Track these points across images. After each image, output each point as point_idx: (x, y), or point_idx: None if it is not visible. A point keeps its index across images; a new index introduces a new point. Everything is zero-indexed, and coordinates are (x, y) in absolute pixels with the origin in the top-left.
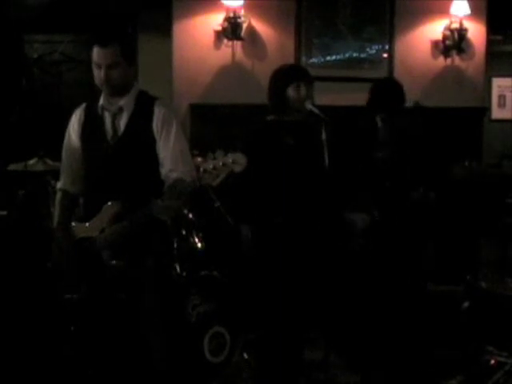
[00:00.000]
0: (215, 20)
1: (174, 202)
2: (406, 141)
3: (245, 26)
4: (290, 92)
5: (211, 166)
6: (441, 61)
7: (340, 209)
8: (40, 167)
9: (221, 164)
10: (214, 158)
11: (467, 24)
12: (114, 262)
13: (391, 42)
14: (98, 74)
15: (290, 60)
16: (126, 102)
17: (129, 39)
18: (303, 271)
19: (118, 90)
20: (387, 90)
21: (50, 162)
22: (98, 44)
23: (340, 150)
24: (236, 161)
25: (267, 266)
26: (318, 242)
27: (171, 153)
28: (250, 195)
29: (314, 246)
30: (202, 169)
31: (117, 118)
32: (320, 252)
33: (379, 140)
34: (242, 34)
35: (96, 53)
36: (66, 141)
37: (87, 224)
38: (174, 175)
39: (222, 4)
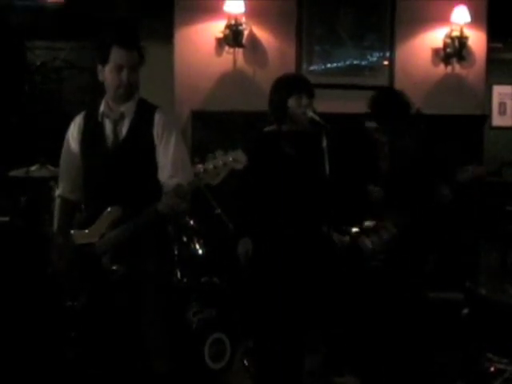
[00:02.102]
0: (217, 27)
1: (176, 200)
2: (403, 160)
3: (246, 33)
4: (292, 103)
5: (211, 166)
6: (441, 68)
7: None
8: (42, 173)
9: (221, 163)
10: (215, 158)
11: (468, 32)
12: (114, 267)
13: (392, 49)
14: (118, 76)
15: (291, 67)
16: (128, 108)
17: (140, 41)
18: (303, 278)
19: (131, 93)
20: (390, 101)
21: (51, 168)
22: (122, 46)
23: (341, 157)
24: (236, 159)
25: (268, 273)
26: (318, 249)
27: (171, 160)
28: (252, 206)
29: (314, 253)
30: (202, 169)
31: (118, 124)
32: (320, 258)
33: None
34: (244, 41)
35: (119, 54)
36: (64, 149)
37: (87, 230)
38: (174, 182)
39: (224, 11)
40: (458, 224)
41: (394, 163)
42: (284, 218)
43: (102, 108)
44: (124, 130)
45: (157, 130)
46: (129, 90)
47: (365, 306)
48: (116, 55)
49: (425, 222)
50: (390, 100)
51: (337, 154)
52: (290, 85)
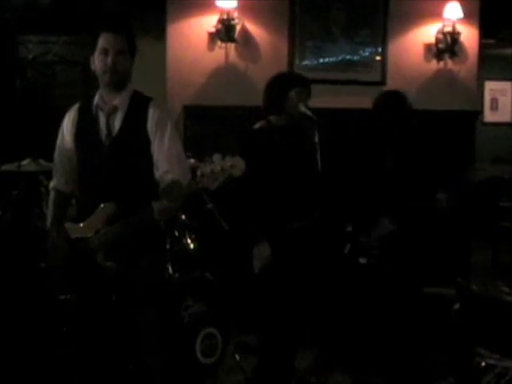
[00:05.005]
0: (209, 22)
1: (172, 203)
2: (407, 158)
3: (238, 28)
4: (293, 94)
5: (209, 170)
6: (433, 64)
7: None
8: (33, 168)
9: (219, 168)
10: (212, 162)
11: (460, 27)
12: (108, 263)
13: (384, 44)
14: (104, 61)
15: (284, 62)
16: (121, 100)
17: (132, 31)
18: (300, 276)
19: (119, 79)
20: (394, 104)
21: (43, 162)
22: (108, 30)
23: (333, 152)
24: (234, 165)
25: (273, 273)
26: (315, 245)
27: (166, 154)
28: (258, 210)
29: (311, 250)
30: (199, 172)
31: (111, 117)
32: (316, 255)
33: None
34: (236, 36)
35: (105, 38)
36: (59, 141)
37: (81, 224)
38: (170, 177)
39: (216, 6)
40: (450, 220)
41: (398, 161)
42: (283, 214)
43: (96, 100)
44: (117, 123)
45: (151, 125)
46: (115, 77)
47: (358, 302)
48: (102, 40)
49: (419, 223)
50: (398, 104)
51: (330, 148)
52: (293, 79)
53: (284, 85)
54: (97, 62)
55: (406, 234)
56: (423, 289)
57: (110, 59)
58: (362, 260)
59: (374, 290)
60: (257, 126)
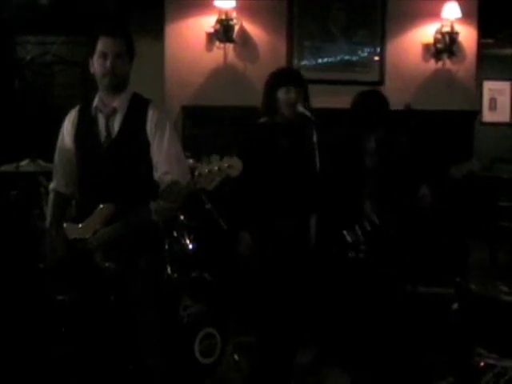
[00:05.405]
0: (207, 22)
1: (171, 204)
2: (391, 157)
3: (237, 28)
4: (280, 95)
5: (206, 171)
6: (432, 64)
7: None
8: (32, 168)
9: (216, 168)
10: (210, 163)
11: (458, 27)
12: (107, 263)
13: (383, 45)
14: (103, 65)
15: (282, 62)
16: (120, 102)
17: (130, 34)
18: (297, 274)
19: (118, 83)
20: (371, 105)
21: (42, 163)
22: (106, 33)
23: (330, 152)
24: (232, 165)
25: (265, 270)
26: (310, 244)
27: (165, 155)
28: (248, 199)
29: (307, 249)
30: (197, 173)
31: (110, 119)
32: (313, 255)
33: (366, 150)
34: (234, 36)
35: (103, 42)
36: (59, 142)
37: (80, 225)
38: (169, 178)
39: (215, 6)
40: (449, 219)
41: (381, 159)
42: (276, 210)
43: (95, 102)
44: (116, 125)
45: (150, 127)
46: (115, 80)
47: (351, 299)
48: (101, 44)
49: (407, 220)
50: (375, 103)
51: (326, 148)
52: (278, 77)
53: (271, 85)
54: (96, 66)
55: (391, 230)
56: (417, 286)
57: (108, 63)
58: (351, 254)
59: (365, 285)
60: (261, 120)
